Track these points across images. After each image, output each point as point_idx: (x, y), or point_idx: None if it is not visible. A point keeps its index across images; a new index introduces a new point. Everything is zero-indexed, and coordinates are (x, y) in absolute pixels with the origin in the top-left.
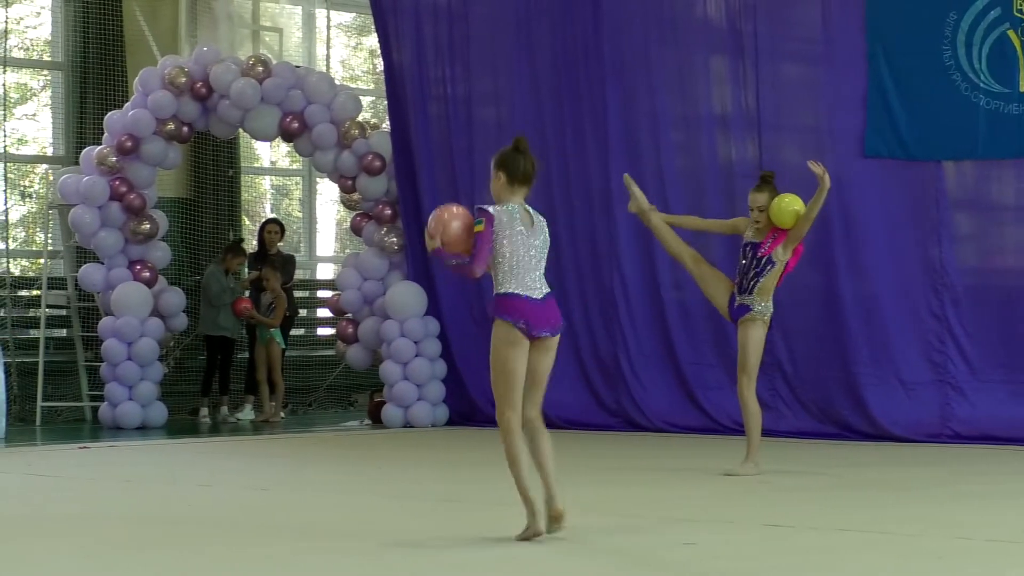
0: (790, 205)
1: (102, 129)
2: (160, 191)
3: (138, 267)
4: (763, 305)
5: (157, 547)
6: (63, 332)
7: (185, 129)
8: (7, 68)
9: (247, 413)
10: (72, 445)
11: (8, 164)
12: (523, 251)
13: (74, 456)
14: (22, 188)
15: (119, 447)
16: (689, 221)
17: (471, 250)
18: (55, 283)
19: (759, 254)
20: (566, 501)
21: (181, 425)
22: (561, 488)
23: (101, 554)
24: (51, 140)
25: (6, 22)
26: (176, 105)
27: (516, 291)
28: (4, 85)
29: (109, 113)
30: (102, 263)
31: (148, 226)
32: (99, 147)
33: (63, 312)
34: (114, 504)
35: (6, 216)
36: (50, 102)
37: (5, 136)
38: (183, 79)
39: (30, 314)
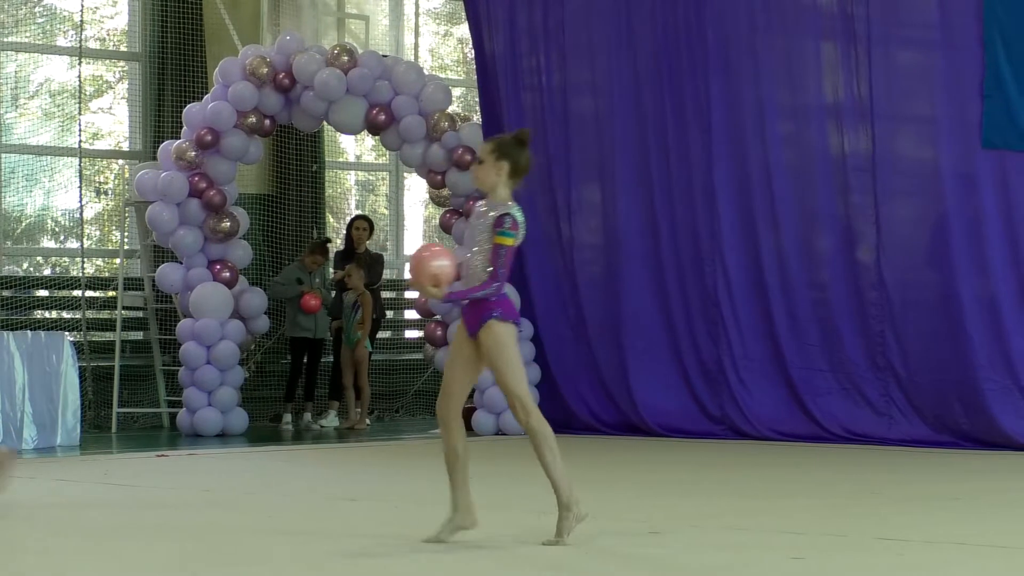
0: None
1: (180, 122)
2: (241, 187)
3: (218, 267)
4: None
5: (236, 562)
6: (139, 335)
7: (267, 122)
8: (83, 60)
9: (331, 420)
10: (150, 453)
11: (83, 160)
12: None
13: (152, 464)
14: (97, 185)
15: (198, 455)
16: None
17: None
18: (131, 284)
19: None
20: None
21: (262, 432)
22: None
23: (182, 568)
24: (127, 134)
25: (82, 12)
26: (258, 97)
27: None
28: (80, 78)
29: (188, 106)
30: (180, 263)
31: (228, 224)
32: (177, 141)
33: (140, 314)
34: (195, 515)
35: (81, 214)
36: (127, 95)
37: (80, 131)
38: (265, 70)
39: (105, 316)
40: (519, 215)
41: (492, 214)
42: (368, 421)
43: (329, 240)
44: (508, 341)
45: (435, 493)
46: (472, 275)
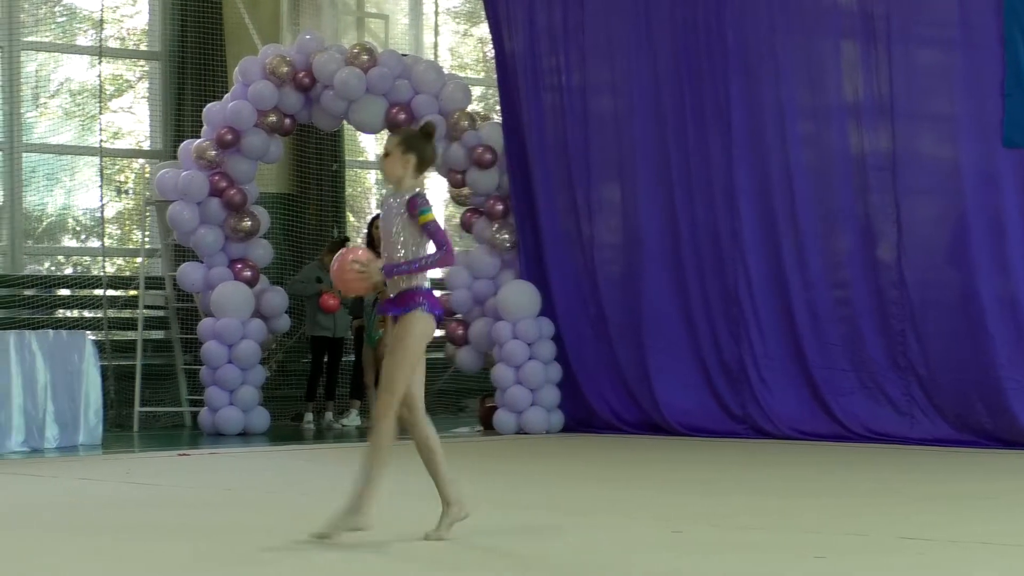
0: None
1: (200, 122)
2: (261, 186)
3: (239, 266)
4: None
5: (256, 562)
6: (160, 334)
7: (287, 121)
8: (103, 59)
9: (353, 419)
10: (171, 452)
11: (104, 159)
12: None
13: (173, 463)
14: (118, 184)
15: (220, 454)
16: None
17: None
18: (152, 283)
19: None
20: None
21: (284, 431)
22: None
23: (201, 567)
24: (148, 133)
25: (102, 11)
26: (278, 96)
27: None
28: (100, 77)
29: (208, 105)
30: (201, 262)
31: (249, 223)
32: (198, 140)
33: (161, 313)
34: (215, 514)
35: (102, 213)
36: (147, 94)
37: (100, 130)
38: (285, 69)
39: (126, 315)
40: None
41: (403, 200)
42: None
43: (347, 239)
44: (421, 336)
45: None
46: (395, 254)
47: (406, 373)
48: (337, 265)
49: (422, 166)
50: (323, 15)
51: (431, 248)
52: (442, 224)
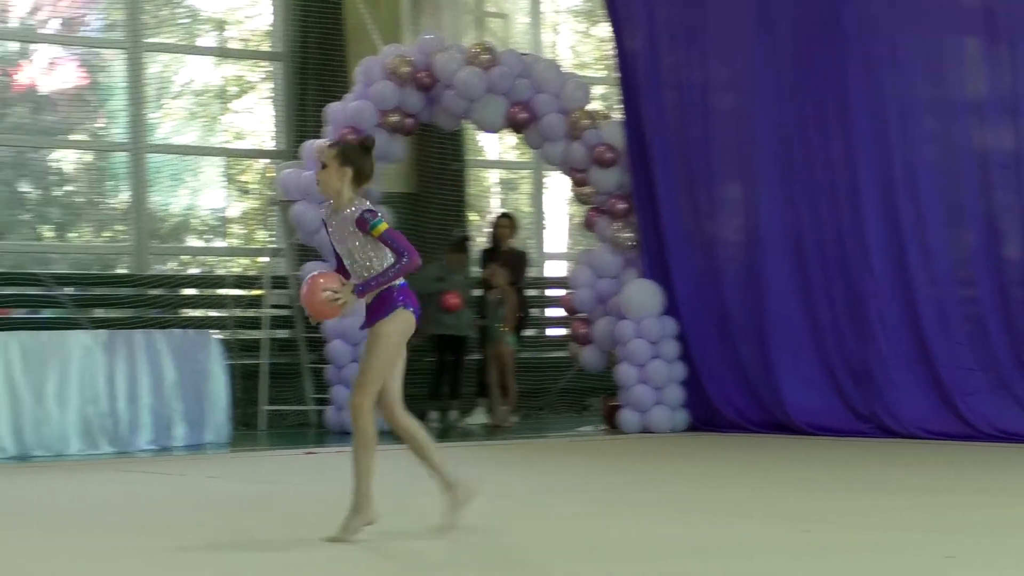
0: None
1: (321, 122)
2: (384, 186)
3: None
4: None
5: (385, 558)
6: (285, 333)
7: (409, 121)
8: (226, 60)
9: (477, 418)
10: (298, 450)
11: (227, 159)
12: None
13: (300, 462)
14: (241, 184)
15: (346, 452)
16: None
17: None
18: (276, 282)
19: None
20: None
21: None
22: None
23: (328, 564)
24: (272, 133)
25: (223, 13)
26: (399, 96)
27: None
28: (224, 79)
29: (330, 105)
30: (325, 261)
31: None
32: (320, 140)
33: (285, 312)
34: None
35: (225, 213)
36: (270, 95)
37: (223, 131)
38: (406, 68)
39: (251, 314)
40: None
41: (348, 214)
42: (515, 419)
43: (468, 238)
44: (399, 332)
45: (584, 489)
46: (365, 271)
47: (380, 372)
48: (307, 291)
49: (359, 179)
50: (443, 15)
51: (391, 257)
52: (564, 222)
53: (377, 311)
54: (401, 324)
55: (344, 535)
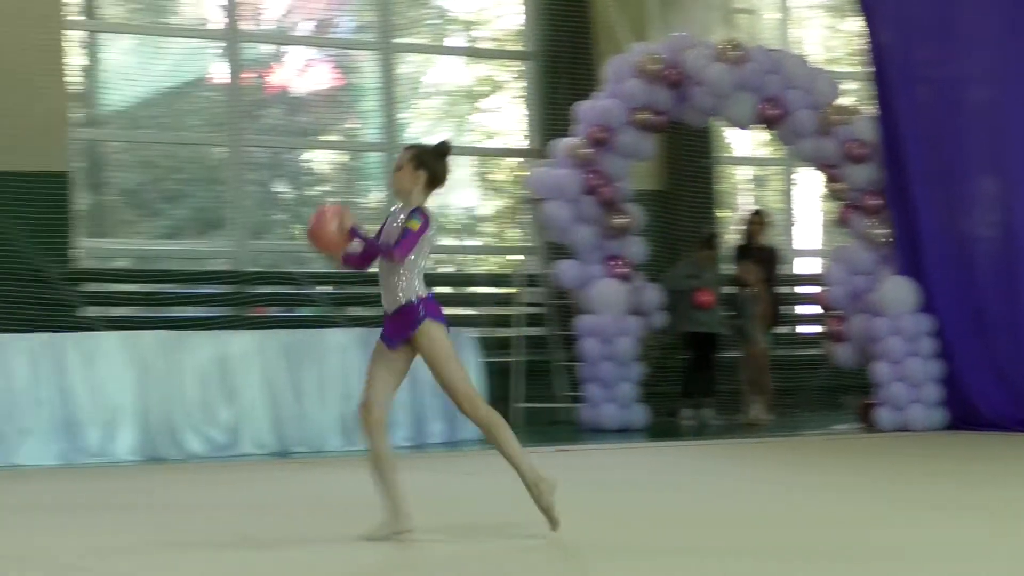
0: None
1: (568, 120)
2: (634, 183)
3: (613, 263)
4: None
5: (629, 553)
6: (537, 331)
7: (658, 118)
8: (476, 60)
9: (743, 414)
10: (550, 448)
11: (477, 159)
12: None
13: (553, 459)
14: (492, 183)
15: (597, 450)
16: None
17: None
18: (529, 280)
19: None
20: None
21: (663, 428)
22: None
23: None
24: (522, 132)
25: (473, 14)
26: (648, 93)
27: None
28: (474, 79)
29: (579, 103)
30: (577, 259)
31: (623, 220)
32: (570, 139)
33: (536, 310)
34: (585, 508)
35: (477, 212)
36: (520, 94)
37: (472, 131)
38: (655, 66)
39: (502, 312)
40: (431, 213)
41: (403, 216)
42: (770, 416)
43: (715, 235)
44: (443, 340)
45: (833, 488)
46: (393, 286)
47: (458, 373)
48: (316, 221)
49: (433, 183)
50: (691, 12)
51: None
52: (817, 218)
53: (401, 327)
54: (438, 334)
55: (550, 519)
